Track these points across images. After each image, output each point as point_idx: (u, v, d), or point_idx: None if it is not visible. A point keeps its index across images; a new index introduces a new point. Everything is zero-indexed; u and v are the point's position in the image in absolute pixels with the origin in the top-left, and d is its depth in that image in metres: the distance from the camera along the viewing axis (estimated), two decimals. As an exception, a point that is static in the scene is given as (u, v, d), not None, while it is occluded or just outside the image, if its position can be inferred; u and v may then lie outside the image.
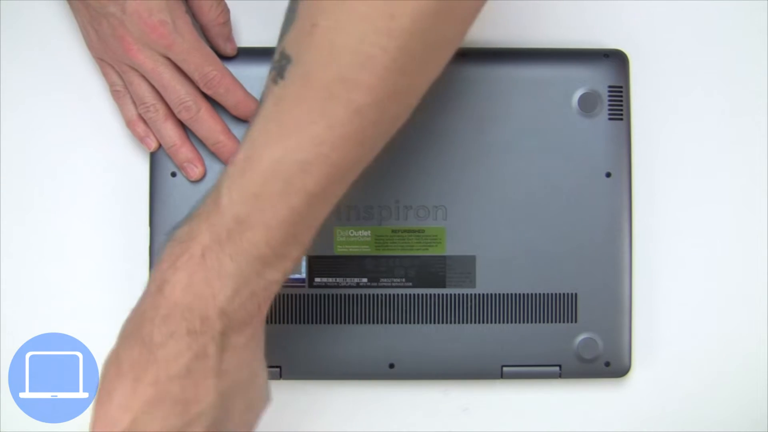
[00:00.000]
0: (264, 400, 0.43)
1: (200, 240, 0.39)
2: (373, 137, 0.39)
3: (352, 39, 0.36)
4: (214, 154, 0.51)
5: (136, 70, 0.49)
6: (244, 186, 0.38)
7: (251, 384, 0.42)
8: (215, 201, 0.39)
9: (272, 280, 0.40)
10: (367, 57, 0.36)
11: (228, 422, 0.41)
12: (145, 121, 0.51)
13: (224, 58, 0.51)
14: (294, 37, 0.38)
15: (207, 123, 0.50)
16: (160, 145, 0.51)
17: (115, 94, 0.51)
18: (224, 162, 0.51)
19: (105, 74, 0.51)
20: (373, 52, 0.36)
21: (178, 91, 0.49)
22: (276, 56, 0.39)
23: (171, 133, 0.50)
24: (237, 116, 0.51)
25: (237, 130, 0.51)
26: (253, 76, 0.51)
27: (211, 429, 0.40)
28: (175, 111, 0.49)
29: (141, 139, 0.51)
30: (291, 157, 0.38)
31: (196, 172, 0.51)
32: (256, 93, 0.51)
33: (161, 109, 0.50)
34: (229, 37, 0.51)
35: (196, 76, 0.48)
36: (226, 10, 0.50)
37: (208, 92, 0.49)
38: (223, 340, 0.39)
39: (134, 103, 0.50)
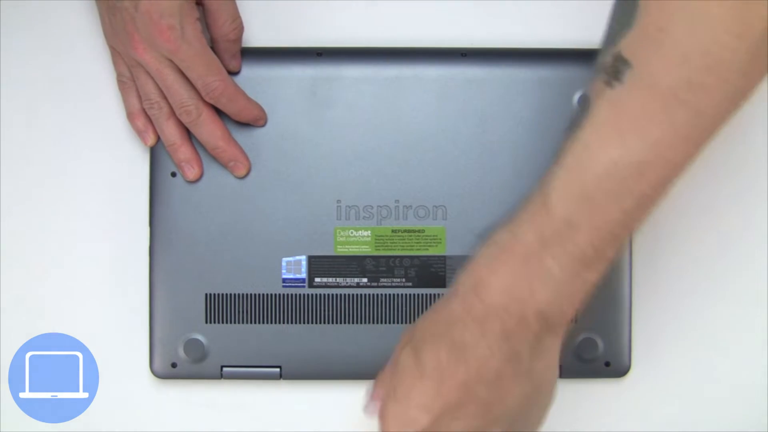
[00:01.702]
0: (553, 398, 0.44)
1: (524, 241, 0.39)
2: (708, 138, 0.39)
3: (704, 42, 0.36)
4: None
5: (144, 67, 0.49)
6: (575, 188, 0.39)
7: (551, 385, 0.42)
8: (543, 203, 0.40)
9: (590, 281, 0.40)
10: (716, 60, 0.36)
11: (525, 422, 0.41)
12: (145, 116, 0.51)
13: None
14: (633, 41, 0.38)
15: (207, 127, 0.50)
16: (157, 141, 0.51)
17: (120, 84, 0.51)
18: (224, 165, 0.51)
19: (114, 63, 0.51)
20: (723, 54, 0.36)
21: (181, 95, 0.49)
22: (608, 59, 0.39)
23: (172, 131, 0.50)
24: (239, 122, 0.51)
25: (239, 134, 0.51)
26: (255, 76, 0.51)
27: (509, 430, 0.40)
28: (177, 113, 0.49)
29: (139, 133, 0.51)
30: (628, 160, 0.38)
31: (193, 172, 0.51)
32: (258, 94, 0.51)
33: (165, 108, 0.50)
34: (236, 54, 0.51)
35: (198, 85, 0.48)
36: (239, 28, 0.50)
37: (210, 101, 0.49)
38: (537, 342, 0.40)
39: (138, 96, 0.50)
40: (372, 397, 0.44)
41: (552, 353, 0.41)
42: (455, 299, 0.41)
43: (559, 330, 0.41)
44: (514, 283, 0.39)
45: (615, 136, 0.38)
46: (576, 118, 0.40)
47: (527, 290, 0.39)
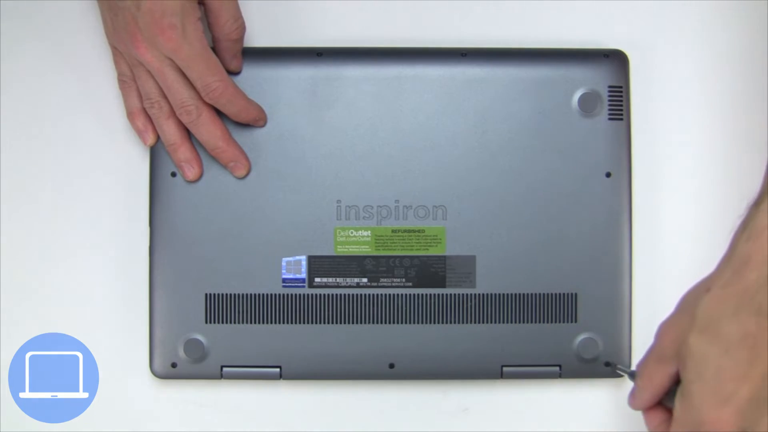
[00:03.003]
0: None
1: None
2: None
3: None
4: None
5: (145, 66, 0.49)
6: None
7: None
8: None
9: None
10: None
11: None
12: (145, 115, 0.51)
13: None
14: None
15: (207, 127, 0.50)
16: (157, 141, 0.51)
17: (121, 83, 0.51)
18: (224, 166, 0.51)
19: (116, 62, 0.51)
20: None
21: (181, 94, 0.49)
22: None
23: (172, 131, 0.50)
24: (239, 123, 0.51)
25: (239, 134, 0.51)
26: (256, 76, 0.51)
27: None
28: (177, 113, 0.49)
29: (139, 133, 0.51)
30: None
31: (192, 172, 0.51)
32: (258, 94, 0.51)
33: (165, 107, 0.50)
34: (237, 55, 0.51)
35: (198, 85, 0.48)
36: (241, 28, 0.50)
37: (209, 102, 0.49)
38: None
39: (139, 96, 0.51)
40: (638, 396, 0.45)
41: None
42: (746, 269, 0.41)
43: None
44: None
45: None
46: None
47: None
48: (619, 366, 0.51)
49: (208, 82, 0.48)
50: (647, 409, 0.45)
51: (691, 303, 0.43)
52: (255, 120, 0.51)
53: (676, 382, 0.43)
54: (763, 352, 0.39)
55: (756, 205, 0.43)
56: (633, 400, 0.46)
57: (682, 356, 0.42)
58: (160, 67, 0.48)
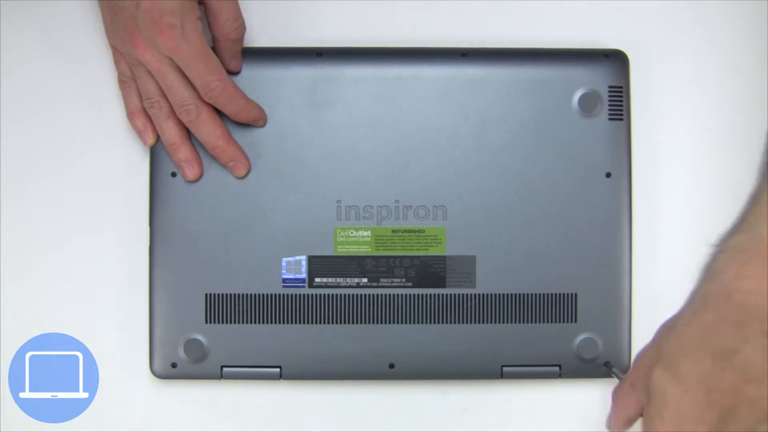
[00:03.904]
0: None
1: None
2: None
3: None
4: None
5: (144, 66, 0.49)
6: None
7: None
8: None
9: None
10: None
11: None
12: (145, 115, 0.51)
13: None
14: None
15: (207, 127, 0.50)
16: (157, 141, 0.51)
17: (121, 83, 0.51)
18: (224, 165, 0.51)
19: (116, 62, 0.51)
20: None
21: (181, 94, 0.49)
22: None
23: (172, 131, 0.50)
24: (238, 122, 0.51)
25: (239, 134, 0.51)
26: (256, 76, 0.51)
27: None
28: (177, 112, 0.49)
29: (139, 133, 0.51)
30: None
31: (192, 172, 0.51)
32: (258, 94, 0.51)
33: (165, 107, 0.50)
34: (237, 54, 0.50)
35: (197, 84, 0.48)
36: (241, 27, 0.49)
37: (209, 101, 0.49)
38: None
39: (139, 96, 0.50)
40: (613, 420, 0.46)
41: None
42: (704, 310, 0.42)
43: None
44: None
45: None
46: None
47: None
48: (614, 369, 0.51)
49: (207, 82, 0.48)
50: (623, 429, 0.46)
51: (662, 335, 0.44)
52: (255, 120, 0.51)
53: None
54: (716, 395, 0.40)
55: (718, 245, 0.43)
56: (609, 422, 0.47)
57: (647, 389, 0.43)
58: (160, 66, 0.48)
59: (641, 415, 0.44)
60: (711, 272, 0.43)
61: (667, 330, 0.44)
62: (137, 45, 0.47)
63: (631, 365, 0.45)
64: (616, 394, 0.46)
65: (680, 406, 0.41)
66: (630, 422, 0.45)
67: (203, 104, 0.49)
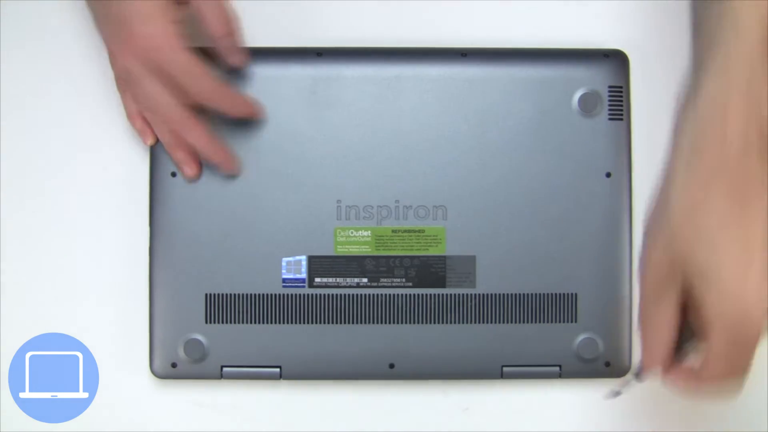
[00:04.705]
0: None
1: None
2: None
3: None
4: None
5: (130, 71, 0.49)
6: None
7: None
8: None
9: None
10: None
11: None
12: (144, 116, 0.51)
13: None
14: None
15: (193, 131, 0.49)
16: (157, 141, 0.51)
17: (119, 85, 0.51)
18: (214, 167, 0.51)
19: (111, 63, 0.51)
20: None
21: (156, 100, 0.48)
22: None
23: (167, 133, 0.50)
24: (238, 121, 0.50)
25: (239, 134, 0.51)
26: (256, 76, 0.51)
27: None
28: (161, 119, 0.49)
29: (139, 133, 0.51)
30: None
31: (191, 171, 0.51)
32: (258, 94, 0.51)
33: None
34: (233, 50, 0.49)
35: (178, 88, 0.47)
36: (229, 23, 0.48)
37: (191, 103, 0.48)
38: None
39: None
40: (647, 343, 0.45)
41: None
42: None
43: None
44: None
45: None
46: None
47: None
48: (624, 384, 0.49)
49: (186, 84, 0.47)
50: (667, 366, 0.45)
51: (660, 224, 0.43)
52: (249, 115, 0.50)
53: (683, 327, 0.43)
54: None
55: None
56: (649, 356, 0.45)
57: (684, 270, 0.42)
58: (141, 72, 0.47)
59: (679, 347, 0.44)
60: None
61: (661, 215, 0.43)
62: (122, 51, 0.47)
63: (641, 279, 0.44)
64: (642, 319, 0.44)
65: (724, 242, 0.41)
66: (672, 336, 0.44)
67: (185, 108, 0.48)
